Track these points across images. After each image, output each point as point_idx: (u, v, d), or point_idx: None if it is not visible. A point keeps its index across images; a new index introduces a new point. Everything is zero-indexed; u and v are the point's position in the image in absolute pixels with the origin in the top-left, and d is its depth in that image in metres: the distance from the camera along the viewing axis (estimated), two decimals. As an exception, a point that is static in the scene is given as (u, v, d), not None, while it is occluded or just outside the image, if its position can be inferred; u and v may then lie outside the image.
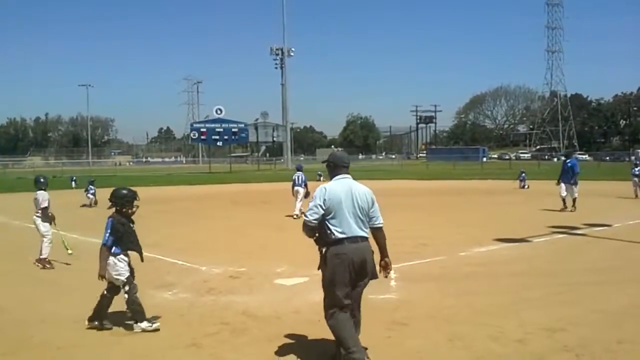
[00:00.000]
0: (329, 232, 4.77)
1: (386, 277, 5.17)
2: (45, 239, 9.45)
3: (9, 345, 5.60)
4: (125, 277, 6.03)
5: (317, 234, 4.89)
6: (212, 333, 5.84)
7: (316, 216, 4.75)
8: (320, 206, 4.75)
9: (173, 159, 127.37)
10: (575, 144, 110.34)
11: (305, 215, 4.82)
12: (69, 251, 9.58)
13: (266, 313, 6.47)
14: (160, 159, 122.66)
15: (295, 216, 16.05)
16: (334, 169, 5.05)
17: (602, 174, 39.13)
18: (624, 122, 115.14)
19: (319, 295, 7.21)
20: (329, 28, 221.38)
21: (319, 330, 5.85)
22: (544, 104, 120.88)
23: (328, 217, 4.76)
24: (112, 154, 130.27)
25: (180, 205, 21.43)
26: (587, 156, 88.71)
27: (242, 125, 63.32)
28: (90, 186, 21.86)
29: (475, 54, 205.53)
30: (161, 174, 54.87)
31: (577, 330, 5.72)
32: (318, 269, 4.95)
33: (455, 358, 5.05)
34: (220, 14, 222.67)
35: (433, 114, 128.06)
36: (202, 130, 60.44)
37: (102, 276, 5.98)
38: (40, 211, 9.63)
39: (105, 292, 6.08)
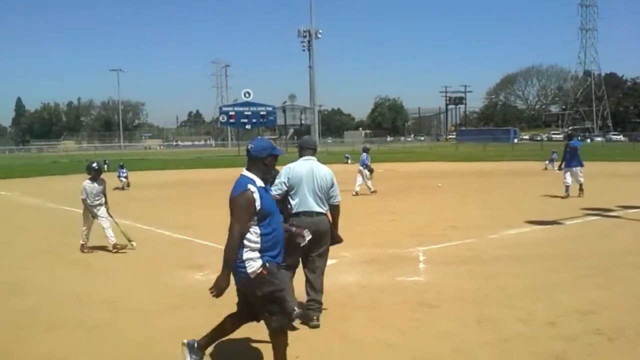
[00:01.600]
0: (289, 205, 5.43)
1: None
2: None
3: (46, 323, 5.77)
4: None
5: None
6: (242, 314, 5.91)
7: (280, 192, 5.41)
8: (284, 183, 5.43)
9: (203, 142, 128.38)
10: (610, 124, 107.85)
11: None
12: (132, 242, 9.66)
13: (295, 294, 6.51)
14: (190, 143, 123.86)
15: (370, 192, 17.76)
16: (301, 150, 5.70)
17: (638, 155, 38.24)
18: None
19: (347, 277, 7.30)
20: (357, 9, 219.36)
21: (349, 311, 5.90)
22: (577, 84, 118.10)
23: (290, 193, 5.43)
24: (143, 137, 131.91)
25: (210, 188, 21.62)
26: (621, 137, 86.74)
27: (270, 109, 63.60)
28: (122, 170, 22.25)
29: (506, 33, 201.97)
30: (191, 157, 55.46)
31: (610, 313, 5.63)
32: None
33: (485, 340, 5.03)
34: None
35: (463, 94, 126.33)
36: (230, 113, 60.89)
37: None
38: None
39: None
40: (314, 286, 5.56)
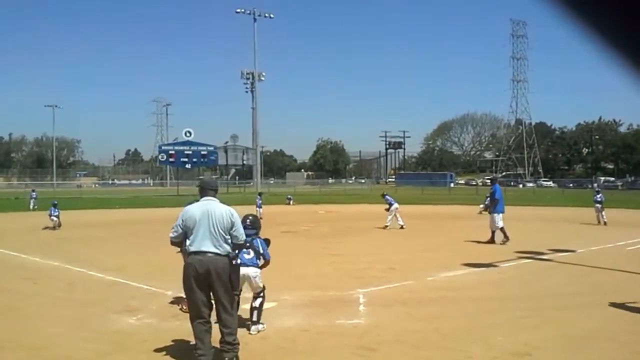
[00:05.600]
0: (186, 247, 5.50)
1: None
2: None
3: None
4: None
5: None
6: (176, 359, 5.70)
7: (175, 234, 5.53)
8: (179, 225, 5.49)
9: (140, 181, 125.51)
10: (540, 170, 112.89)
11: (170, 233, 5.62)
12: None
13: (233, 339, 6.35)
14: (127, 181, 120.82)
15: (385, 226, 20.45)
16: (201, 192, 5.75)
17: (566, 201, 40.02)
18: (587, 150, 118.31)
19: (287, 320, 7.18)
20: (300, 53, 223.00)
21: (289, 356, 5.78)
22: (509, 132, 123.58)
23: (188, 234, 5.44)
24: (78, 175, 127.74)
25: (147, 228, 21.05)
26: (551, 183, 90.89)
27: (212, 148, 63.32)
28: (54, 209, 21.34)
29: (443, 81, 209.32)
30: (128, 196, 54.02)
31: (543, 354, 5.76)
32: None
33: (423, 384, 5.02)
34: (191, 37, 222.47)
35: (402, 139, 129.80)
36: (170, 152, 60.18)
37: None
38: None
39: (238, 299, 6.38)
40: (223, 329, 5.42)
